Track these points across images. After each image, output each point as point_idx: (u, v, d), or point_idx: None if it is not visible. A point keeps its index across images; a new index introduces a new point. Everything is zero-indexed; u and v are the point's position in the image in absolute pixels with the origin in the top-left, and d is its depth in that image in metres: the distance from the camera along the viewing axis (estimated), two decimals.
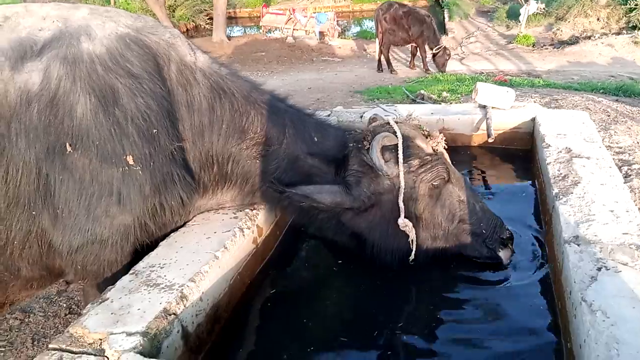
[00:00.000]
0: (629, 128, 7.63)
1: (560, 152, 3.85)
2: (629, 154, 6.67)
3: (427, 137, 3.23)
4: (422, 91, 10.70)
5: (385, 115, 5.04)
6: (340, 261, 3.49)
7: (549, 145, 3.98)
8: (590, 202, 3.10)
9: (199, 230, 3.12)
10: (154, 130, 2.77)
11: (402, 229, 3.02)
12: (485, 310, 2.96)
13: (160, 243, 3.02)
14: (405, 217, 3.02)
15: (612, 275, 2.46)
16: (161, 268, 2.76)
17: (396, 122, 3.17)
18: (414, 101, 10.33)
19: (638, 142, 7.05)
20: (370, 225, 3.14)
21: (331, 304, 3.18)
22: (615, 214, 2.95)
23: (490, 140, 4.46)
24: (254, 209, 3.35)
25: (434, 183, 3.07)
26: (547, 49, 18.58)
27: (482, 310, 2.96)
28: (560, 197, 3.22)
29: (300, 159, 3.14)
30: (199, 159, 3.02)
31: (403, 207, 3.01)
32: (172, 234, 3.11)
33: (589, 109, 8.41)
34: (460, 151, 4.77)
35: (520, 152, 4.75)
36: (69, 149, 2.65)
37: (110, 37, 2.77)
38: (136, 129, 2.73)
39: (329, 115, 5.26)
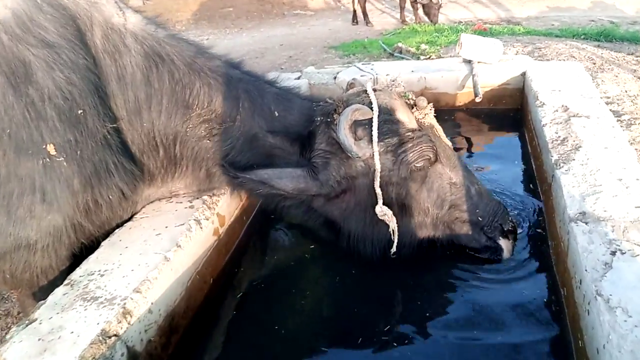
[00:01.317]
0: (616, 76, 7.29)
1: (557, 110, 3.46)
2: (617, 104, 6.34)
3: (412, 107, 2.74)
4: (399, 44, 10.17)
5: (362, 76, 4.59)
6: (312, 246, 3.10)
7: (544, 104, 3.58)
8: (595, 169, 2.72)
9: (148, 224, 2.68)
10: (79, 111, 2.28)
11: (380, 217, 2.60)
12: (478, 300, 2.60)
13: (103, 243, 2.58)
14: (384, 203, 2.59)
15: (629, 260, 2.10)
16: (101, 276, 2.33)
17: (375, 90, 2.67)
18: (391, 55, 9.82)
19: (626, 91, 6.72)
20: (344, 213, 2.72)
21: (309, 298, 2.79)
22: (624, 183, 2.58)
23: (477, 100, 4.05)
24: (213, 195, 2.90)
25: (417, 165, 2.60)
26: None
27: (474, 300, 2.60)
28: (561, 164, 2.84)
29: (258, 138, 2.66)
30: (139, 141, 2.54)
31: (380, 192, 2.57)
32: (117, 230, 2.67)
33: (574, 57, 8.04)
34: (444, 113, 4.34)
35: (510, 111, 4.35)
36: None
37: None
38: (56, 111, 2.23)
39: (299, 78, 4.77)
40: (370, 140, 2.52)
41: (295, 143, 2.69)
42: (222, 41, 14.63)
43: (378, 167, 2.53)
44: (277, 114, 2.66)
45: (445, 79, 4.42)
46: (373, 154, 2.52)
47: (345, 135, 2.46)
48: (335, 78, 4.63)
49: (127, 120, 2.47)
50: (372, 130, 2.51)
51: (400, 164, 2.58)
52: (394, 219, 2.60)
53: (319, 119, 2.67)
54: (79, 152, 2.29)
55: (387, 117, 2.58)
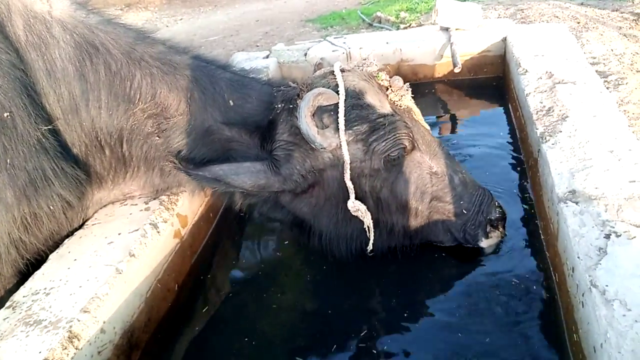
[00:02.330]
0: (601, 35, 7.05)
1: (541, 78, 3.22)
2: (604, 64, 6.11)
3: (387, 89, 2.45)
4: (378, 13, 9.85)
5: (334, 51, 4.31)
6: (286, 242, 2.90)
7: (527, 71, 3.34)
8: (583, 141, 2.51)
9: (99, 232, 2.44)
10: (5, 114, 2.02)
11: (353, 213, 2.36)
12: (467, 290, 2.42)
13: (50, 256, 2.35)
14: (357, 198, 2.34)
15: (626, 244, 1.90)
16: (47, 295, 2.10)
17: (343, 71, 2.39)
18: (370, 25, 9.51)
19: (612, 50, 6.50)
20: (314, 209, 2.46)
21: (283, 299, 2.59)
22: (616, 156, 2.37)
23: (456, 70, 3.80)
24: (172, 194, 2.66)
25: (392, 154, 2.32)
26: None
27: (463, 292, 2.41)
28: (547, 137, 2.62)
29: (213, 131, 2.40)
30: (79, 143, 2.28)
31: (352, 186, 2.32)
32: (66, 240, 2.43)
33: (557, 17, 7.80)
34: (423, 86, 4.09)
35: (492, 80, 4.10)
36: None
37: None
38: None
39: (267, 56, 4.48)
40: (337, 129, 2.24)
41: (254, 134, 2.42)
42: (196, 20, 14.17)
43: (347, 158, 2.27)
44: (232, 103, 2.39)
45: (422, 49, 4.16)
46: (340, 144, 2.25)
47: (306, 123, 2.17)
48: (306, 55, 4.35)
49: (64, 120, 2.20)
50: (338, 117, 2.23)
51: (372, 154, 2.31)
52: (369, 214, 2.36)
53: (279, 105, 2.40)
54: (8, 160, 2.04)
55: (356, 102, 2.30)
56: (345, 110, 2.24)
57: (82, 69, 2.17)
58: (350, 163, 2.28)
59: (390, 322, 2.35)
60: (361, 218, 2.35)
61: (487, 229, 2.49)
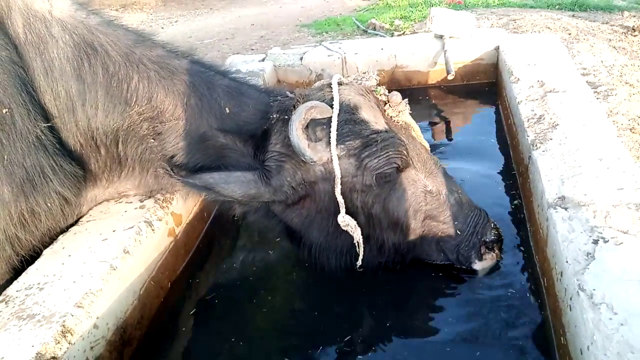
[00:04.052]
0: (592, 46, 7.17)
1: (532, 86, 3.28)
2: (594, 74, 6.21)
3: (385, 104, 2.44)
4: (373, 20, 9.92)
5: (329, 56, 4.35)
6: (278, 239, 2.91)
7: (518, 79, 3.40)
8: (573, 149, 2.56)
9: (94, 228, 2.45)
10: (4, 110, 2.03)
11: (343, 228, 2.33)
12: (455, 298, 2.44)
13: (44, 251, 2.35)
14: (348, 212, 2.32)
15: (613, 249, 1.94)
16: (40, 290, 2.11)
17: (340, 84, 2.37)
18: (365, 32, 9.59)
19: (602, 61, 6.60)
20: (305, 221, 2.45)
21: (275, 299, 2.61)
22: (605, 164, 2.43)
23: (449, 77, 3.85)
24: (167, 193, 2.67)
25: (384, 171, 2.27)
26: None
27: (451, 299, 2.44)
28: (538, 144, 2.67)
29: (207, 137, 2.39)
30: (74, 141, 2.29)
31: (342, 201, 2.30)
32: (60, 236, 2.44)
33: (549, 28, 7.91)
34: (417, 92, 4.15)
35: (485, 86, 4.16)
36: None
37: None
38: None
39: (263, 60, 4.51)
40: (329, 143, 2.22)
41: (248, 143, 2.41)
42: (192, 23, 14.18)
43: (338, 172, 2.24)
44: (228, 110, 2.40)
45: (416, 56, 4.21)
46: (332, 158, 2.23)
47: (297, 136, 2.15)
48: (301, 59, 4.39)
49: (60, 118, 2.21)
50: (330, 132, 2.22)
51: (364, 170, 2.27)
52: (359, 229, 2.33)
53: (274, 116, 2.38)
54: (6, 157, 2.05)
55: (349, 117, 2.27)
56: (338, 124, 2.23)
57: (79, 70, 2.18)
58: (341, 178, 2.26)
59: (377, 327, 2.37)
60: (351, 233, 2.33)
61: (482, 251, 2.45)
